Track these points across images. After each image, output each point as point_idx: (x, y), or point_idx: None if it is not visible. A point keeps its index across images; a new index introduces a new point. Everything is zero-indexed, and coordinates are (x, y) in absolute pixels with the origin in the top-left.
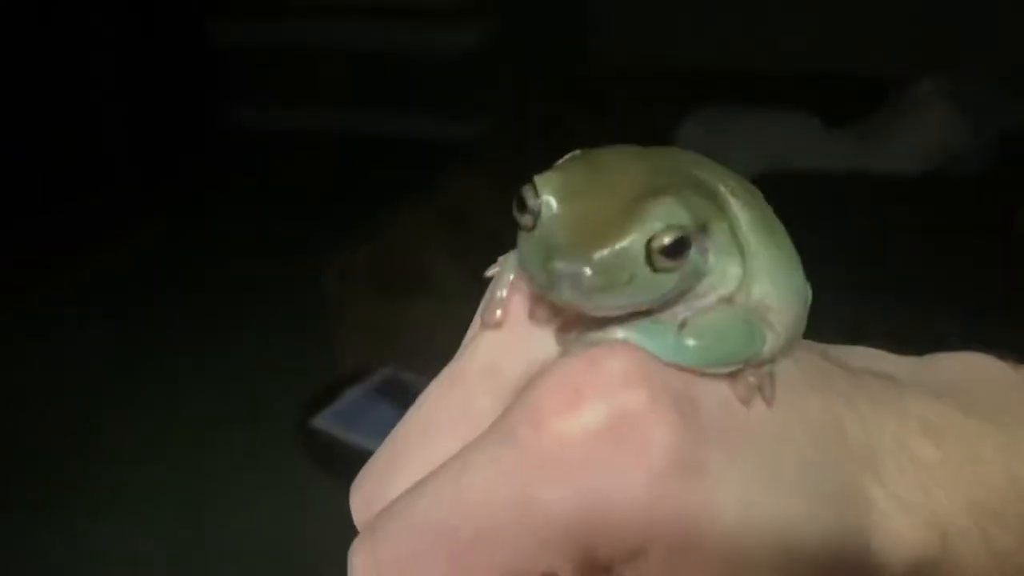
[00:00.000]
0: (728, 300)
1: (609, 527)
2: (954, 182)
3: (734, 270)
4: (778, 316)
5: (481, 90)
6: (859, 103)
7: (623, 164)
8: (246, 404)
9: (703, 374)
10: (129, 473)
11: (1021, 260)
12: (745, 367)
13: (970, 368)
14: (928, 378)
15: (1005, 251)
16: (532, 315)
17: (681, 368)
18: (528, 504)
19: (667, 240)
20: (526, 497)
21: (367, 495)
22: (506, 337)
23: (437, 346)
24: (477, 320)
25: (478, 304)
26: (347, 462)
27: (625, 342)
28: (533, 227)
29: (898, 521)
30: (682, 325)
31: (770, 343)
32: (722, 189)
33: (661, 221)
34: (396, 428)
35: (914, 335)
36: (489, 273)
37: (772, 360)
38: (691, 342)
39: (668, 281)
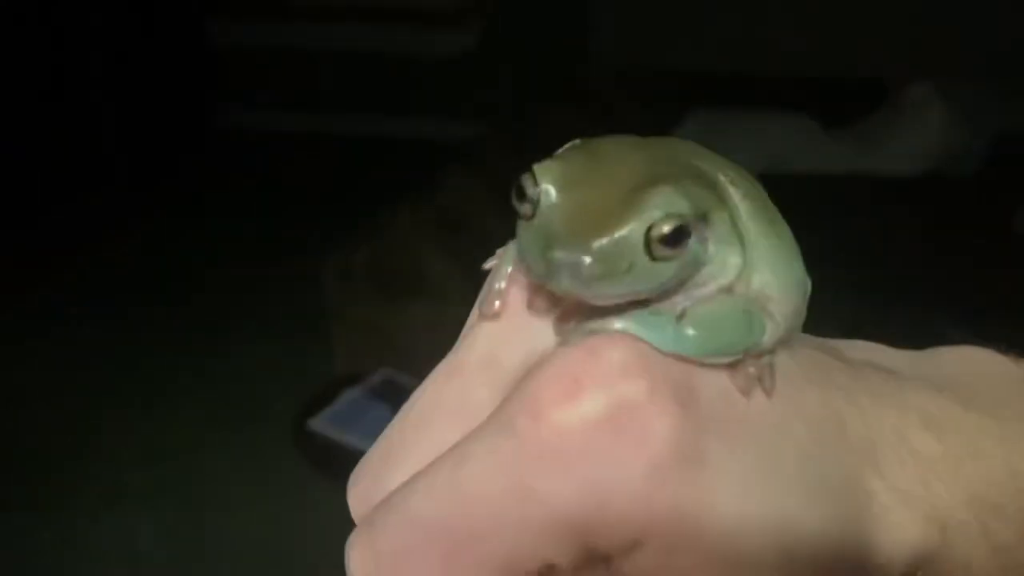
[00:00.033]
0: (728, 290)
1: (608, 518)
2: (952, 182)
3: (734, 260)
4: (778, 306)
5: (480, 91)
6: (858, 104)
7: (622, 154)
8: (244, 405)
9: (702, 364)
10: (129, 473)
11: (1020, 260)
12: (745, 357)
13: (970, 362)
14: (928, 372)
15: (1004, 251)
16: (530, 306)
17: (680, 358)
18: (526, 495)
19: (666, 229)
20: (524, 488)
21: (364, 488)
22: (504, 328)
23: (435, 348)
24: (475, 312)
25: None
26: (344, 464)
27: (624, 332)
28: (532, 216)
29: (898, 514)
30: (681, 315)
31: (770, 333)
32: (722, 179)
33: (660, 210)
34: (394, 420)
35: (913, 335)
36: (487, 265)
37: (772, 351)
38: (690, 332)
39: (667, 270)
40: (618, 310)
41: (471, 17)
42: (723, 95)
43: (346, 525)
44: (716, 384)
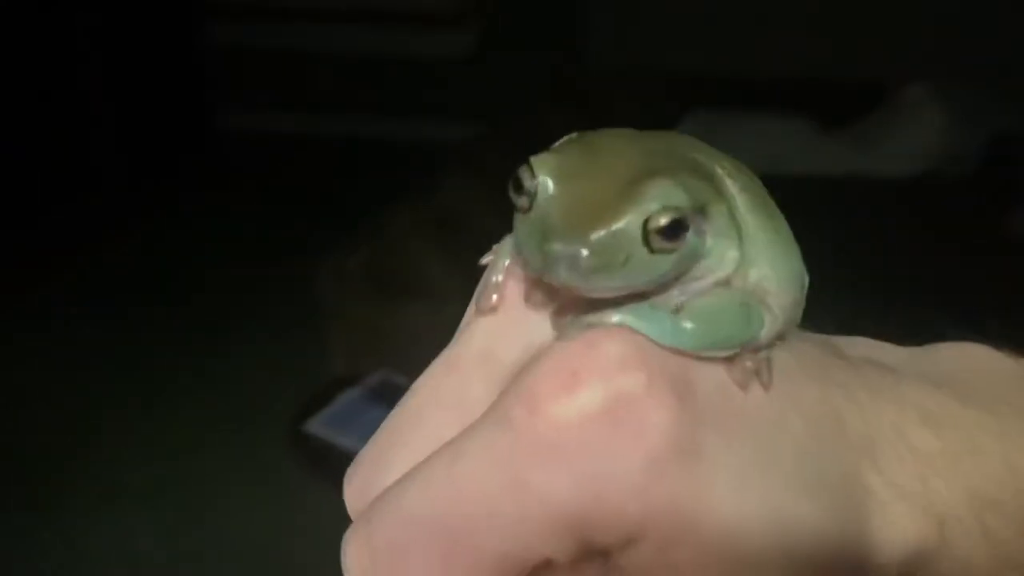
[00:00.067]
0: (725, 283)
1: (605, 511)
2: (950, 182)
3: (732, 253)
4: (776, 300)
5: (479, 92)
6: (854, 105)
7: (620, 146)
8: (243, 406)
9: (700, 358)
10: (127, 473)
11: (1016, 259)
12: (742, 351)
13: (968, 358)
14: (927, 368)
15: (1001, 250)
16: (528, 299)
17: (678, 352)
18: (523, 489)
19: (664, 221)
20: (521, 482)
21: (361, 483)
22: (501, 322)
23: (433, 349)
24: (472, 306)
25: None
26: (340, 466)
27: (622, 325)
28: (529, 209)
29: (896, 510)
30: (679, 308)
31: (768, 327)
32: (719, 171)
33: (658, 202)
34: (391, 415)
35: (910, 335)
36: (484, 261)
37: (770, 344)
38: (688, 325)
39: (665, 263)
40: (615, 303)
41: (470, 18)
42: (721, 96)
43: (342, 526)
44: (713, 378)
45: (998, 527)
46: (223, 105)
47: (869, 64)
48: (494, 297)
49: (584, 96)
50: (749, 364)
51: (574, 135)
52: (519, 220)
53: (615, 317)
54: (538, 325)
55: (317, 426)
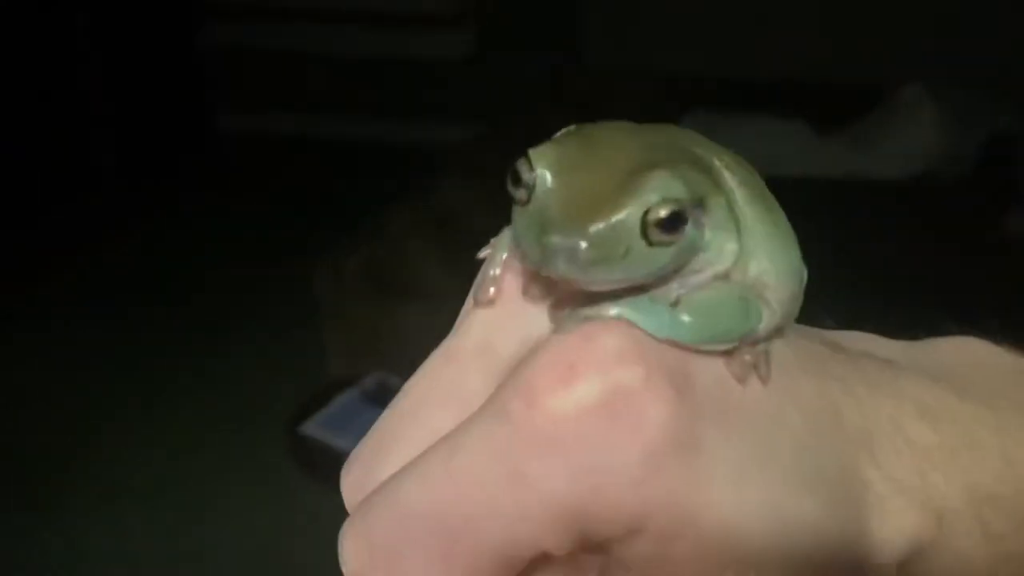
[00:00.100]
0: (724, 276)
1: (603, 504)
2: (948, 183)
3: (730, 246)
4: (775, 293)
5: (477, 93)
6: (851, 107)
7: (618, 139)
8: (241, 406)
9: (698, 351)
10: (128, 473)
11: (1012, 259)
12: (741, 345)
13: (966, 352)
14: (924, 362)
15: (999, 251)
16: (526, 292)
17: (676, 345)
18: (520, 482)
19: (663, 213)
20: (519, 475)
21: (358, 477)
22: (499, 315)
23: (428, 351)
24: (470, 299)
25: None
26: (335, 468)
27: (620, 318)
28: (527, 201)
29: (894, 504)
30: (677, 301)
31: (766, 320)
32: (718, 164)
33: (657, 194)
34: (388, 408)
35: (910, 335)
36: (482, 254)
37: (768, 338)
38: (686, 318)
39: (663, 255)
40: (614, 296)
41: (470, 18)
42: (720, 97)
43: (340, 526)
44: (712, 371)
45: (996, 521)
46: (223, 105)
47: (868, 65)
48: (492, 290)
49: (584, 96)
50: (747, 358)
51: (572, 127)
52: (517, 213)
53: (613, 310)
54: (536, 318)
55: (314, 428)
